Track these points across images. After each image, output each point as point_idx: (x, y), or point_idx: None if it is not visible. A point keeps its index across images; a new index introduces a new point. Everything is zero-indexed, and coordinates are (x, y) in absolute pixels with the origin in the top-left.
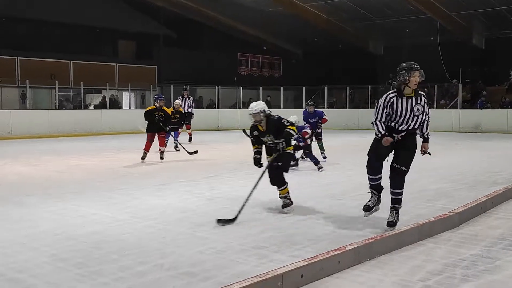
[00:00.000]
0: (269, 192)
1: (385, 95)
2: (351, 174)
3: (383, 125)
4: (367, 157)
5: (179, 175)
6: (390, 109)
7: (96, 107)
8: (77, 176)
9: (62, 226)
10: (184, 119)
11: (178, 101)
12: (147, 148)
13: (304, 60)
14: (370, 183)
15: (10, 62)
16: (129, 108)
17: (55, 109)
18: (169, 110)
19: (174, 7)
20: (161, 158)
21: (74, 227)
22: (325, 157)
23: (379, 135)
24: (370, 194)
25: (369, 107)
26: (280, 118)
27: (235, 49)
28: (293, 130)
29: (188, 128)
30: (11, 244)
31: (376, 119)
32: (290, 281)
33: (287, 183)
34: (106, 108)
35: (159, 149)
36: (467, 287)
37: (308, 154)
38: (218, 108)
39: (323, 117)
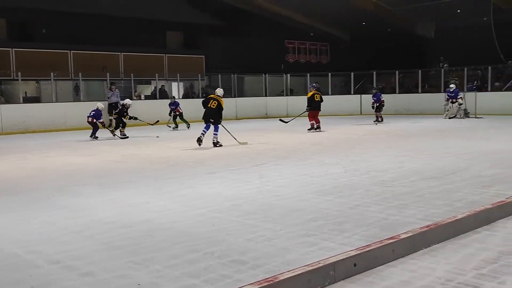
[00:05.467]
0: (318, 180)
1: None
2: (402, 160)
3: None
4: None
5: (227, 163)
6: None
7: (146, 97)
8: (131, 166)
9: (116, 214)
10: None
11: None
12: None
13: (352, 45)
14: None
15: (64, 56)
16: (179, 98)
17: (107, 100)
18: None
19: None
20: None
21: (128, 216)
22: None
23: None
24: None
25: (420, 91)
26: None
27: (282, 36)
28: None
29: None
30: (68, 232)
31: None
32: (342, 270)
33: None
34: (156, 98)
35: None
36: None
37: None
38: (266, 96)
39: None
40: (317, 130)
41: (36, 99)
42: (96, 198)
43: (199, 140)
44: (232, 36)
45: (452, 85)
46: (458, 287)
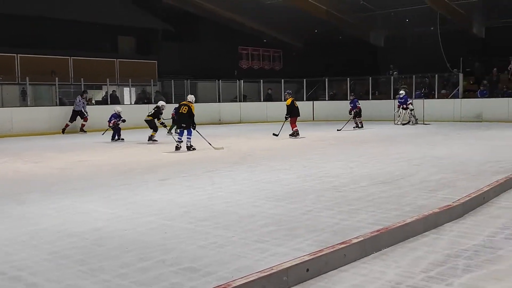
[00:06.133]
0: (270, 186)
1: None
2: (353, 166)
3: None
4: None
5: (180, 169)
6: None
7: (97, 103)
8: (79, 173)
9: (63, 223)
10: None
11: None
12: None
13: (304, 52)
14: None
15: (10, 59)
16: (130, 104)
17: (56, 105)
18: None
19: (173, 1)
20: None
21: (75, 224)
22: None
23: None
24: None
25: (370, 98)
26: None
27: (235, 42)
28: None
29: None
30: (12, 242)
31: None
32: (295, 275)
33: None
34: (107, 104)
35: None
36: (469, 278)
37: None
38: (219, 102)
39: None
40: (296, 136)
41: None
42: (42, 206)
43: (177, 148)
44: (185, 41)
45: (402, 92)
46: None
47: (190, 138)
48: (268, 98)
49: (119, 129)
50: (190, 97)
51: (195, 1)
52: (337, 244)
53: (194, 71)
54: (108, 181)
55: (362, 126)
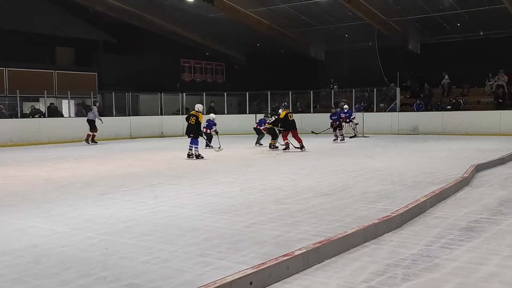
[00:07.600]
0: (214, 199)
1: None
2: (295, 178)
3: None
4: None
5: (121, 183)
6: None
7: (31, 114)
8: (14, 188)
9: None
10: None
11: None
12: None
13: (247, 66)
14: None
15: None
16: (69, 116)
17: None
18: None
19: (113, 12)
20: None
21: (10, 241)
22: None
23: None
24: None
25: (312, 111)
26: None
27: (177, 55)
28: None
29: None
30: None
31: None
32: None
33: None
34: (44, 116)
35: None
36: (408, 286)
37: None
38: (161, 115)
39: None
40: (303, 149)
41: None
42: None
43: (189, 155)
44: (127, 53)
45: (346, 106)
46: None
47: (197, 148)
48: (211, 111)
49: (212, 136)
50: (198, 107)
51: (137, 13)
52: (280, 256)
53: (136, 84)
54: (45, 196)
55: (343, 139)
